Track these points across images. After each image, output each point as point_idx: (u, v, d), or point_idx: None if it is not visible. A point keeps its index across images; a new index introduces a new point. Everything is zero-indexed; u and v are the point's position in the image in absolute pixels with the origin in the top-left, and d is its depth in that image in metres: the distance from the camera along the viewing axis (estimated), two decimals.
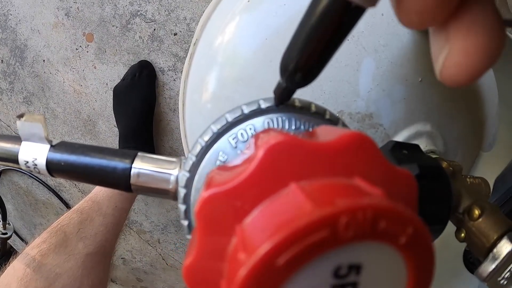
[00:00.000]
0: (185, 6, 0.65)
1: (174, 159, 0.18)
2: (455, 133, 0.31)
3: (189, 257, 0.10)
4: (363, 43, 0.27)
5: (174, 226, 0.85)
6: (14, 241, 1.03)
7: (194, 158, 0.15)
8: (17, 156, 0.21)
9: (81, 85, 0.77)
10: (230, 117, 0.14)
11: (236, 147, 0.14)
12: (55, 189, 0.91)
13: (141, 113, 0.68)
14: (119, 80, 0.72)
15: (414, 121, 0.28)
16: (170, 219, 0.85)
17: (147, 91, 0.69)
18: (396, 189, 0.10)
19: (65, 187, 0.91)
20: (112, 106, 0.72)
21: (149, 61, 0.70)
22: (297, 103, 0.15)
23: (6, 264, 0.46)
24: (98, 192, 0.61)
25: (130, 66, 0.71)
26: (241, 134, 0.14)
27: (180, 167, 0.17)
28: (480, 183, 0.26)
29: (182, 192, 0.15)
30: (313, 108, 0.15)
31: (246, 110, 0.15)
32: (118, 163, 0.18)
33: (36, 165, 0.20)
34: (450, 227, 0.23)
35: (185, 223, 0.16)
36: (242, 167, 0.09)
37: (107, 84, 0.75)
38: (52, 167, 0.19)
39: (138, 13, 0.68)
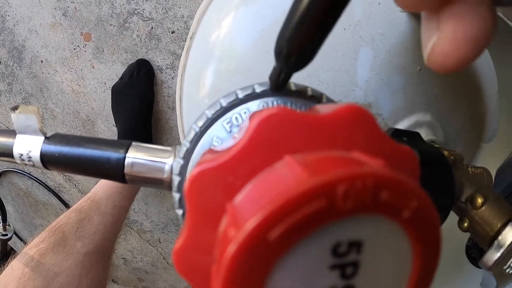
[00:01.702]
0: (182, 4, 0.65)
1: (168, 148, 0.17)
2: (456, 124, 0.30)
3: (179, 241, 0.09)
4: (360, 32, 0.26)
5: (175, 225, 0.85)
6: (14, 243, 1.02)
7: (188, 145, 0.14)
8: (11, 149, 0.20)
9: (80, 85, 0.77)
10: (224, 102, 0.14)
11: (230, 131, 0.14)
12: (55, 190, 0.91)
13: (140, 111, 0.68)
14: (117, 79, 0.72)
15: (414, 111, 0.27)
16: (170, 218, 0.84)
17: (146, 89, 0.68)
18: (397, 164, 0.09)
19: (64, 188, 0.90)
20: (110, 106, 0.72)
21: (147, 59, 0.69)
22: (293, 87, 0.15)
23: (5, 265, 0.46)
24: (97, 191, 0.60)
25: (128, 65, 0.71)
26: (236, 118, 0.14)
27: (175, 155, 0.17)
28: (482, 173, 0.26)
29: (176, 180, 0.15)
30: (309, 92, 0.15)
31: (241, 95, 0.14)
32: (112, 153, 0.17)
33: (30, 157, 0.20)
34: (452, 219, 0.23)
35: (180, 212, 0.16)
36: (234, 145, 0.09)
37: (105, 83, 0.75)
38: (46, 159, 0.19)
39: (136, 11, 0.67)
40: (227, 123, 0.14)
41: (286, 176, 0.08)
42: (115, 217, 0.59)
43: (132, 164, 0.17)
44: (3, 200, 0.80)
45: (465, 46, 0.09)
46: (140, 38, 0.69)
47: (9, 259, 0.46)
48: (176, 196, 0.15)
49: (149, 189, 0.82)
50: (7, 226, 0.82)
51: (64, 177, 0.89)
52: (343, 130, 0.09)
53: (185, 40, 0.68)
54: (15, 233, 0.98)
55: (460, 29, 0.09)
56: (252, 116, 0.10)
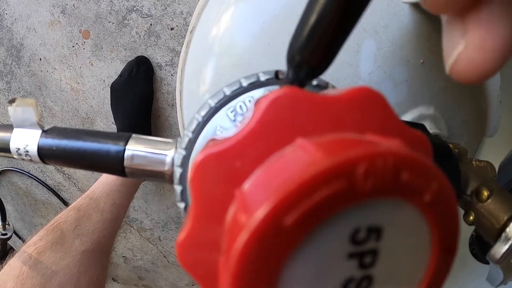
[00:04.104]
0: (181, 0, 0.64)
1: (169, 140, 0.17)
2: (459, 118, 0.30)
3: (183, 232, 0.09)
4: (363, 24, 0.26)
5: (175, 223, 0.84)
6: (14, 242, 1.02)
7: (190, 135, 0.14)
8: (8, 144, 0.20)
9: (78, 83, 0.76)
10: (228, 91, 0.14)
11: (234, 120, 0.13)
12: (54, 189, 0.90)
13: (139, 109, 0.68)
14: (117, 77, 0.71)
15: (417, 104, 0.27)
16: (170, 216, 0.84)
17: (145, 86, 0.68)
18: (411, 148, 0.09)
19: (64, 186, 0.90)
20: (109, 103, 0.72)
21: (146, 56, 0.69)
22: None
23: (3, 263, 0.45)
24: (96, 189, 0.60)
25: (127, 62, 0.70)
26: (240, 106, 0.13)
27: (176, 147, 0.16)
28: (485, 166, 0.25)
29: (178, 171, 0.14)
30: (314, 81, 0.14)
31: (245, 83, 0.14)
32: (112, 146, 0.17)
33: (27, 151, 0.19)
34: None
35: (182, 205, 0.15)
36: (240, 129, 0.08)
37: (104, 81, 0.74)
38: (44, 153, 0.19)
39: (134, 8, 0.67)
40: (231, 112, 0.13)
41: (300, 158, 0.07)
42: (114, 215, 0.58)
43: (132, 157, 0.16)
44: (3, 200, 0.80)
45: (494, 56, 0.08)
46: (139, 35, 0.68)
47: (7, 257, 0.46)
48: (178, 188, 0.15)
49: (149, 187, 0.82)
50: (6, 225, 0.82)
51: (64, 175, 0.88)
52: (356, 112, 0.08)
53: (184, 36, 0.67)
54: (14, 232, 0.98)
55: (489, 37, 0.08)
56: (258, 100, 0.09)
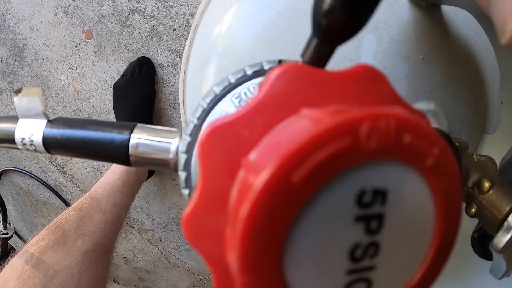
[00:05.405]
0: (183, 2, 0.65)
1: (174, 129, 0.17)
2: (459, 113, 0.30)
3: (189, 207, 0.09)
4: None
5: (176, 224, 0.84)
6: (15, 242, 1.02)
7: (195, 121, 0.14)
8: (13, 134, 0.20)
9: (81, 83, 0.77)
10: (233, 78, 0.14)
11: (239, 106, 0.13)
12: (55, 189, 0.90)
13: (141, 109, 0.68)
14: (119, 77, 0.72)
15: (418, 99, 0.27)
16: (171, 217, 0.84)
17: (147, 87, 0.68)
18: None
19: (65, 187, 0.90)
20: (112, 103, 0.72)
21: (149, 57, 0.69)
22: None
23: (5, 262, 0.45)
24: (98, 189, 0.60)
25: (129, 62, 0.71)
26: (244, 93, 0.13)
27: (181, 136, 0.16)
28: (486, 161, 0.26)
29: (183, 158, 0.15)
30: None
31: (249, 71, 0.14)
32: (117, 135, 0.17)
33: (32, 141, 0.19)
34: None
35: (186, 192, 0.15)
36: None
37: (106, 81, 0.74)
38: (49, 142, 0.19)
39: (137, 9, 0.68)
40: (236, 98, 0.13)
41: (305, 123, 0.07)
42: (116, 215, 0.58)
43: (137, 145, 0.17)
44: (4, 200, 0.80)
45: None
46: (142, 36, 0.69)
47: (9, 256, 0.46)
48: (183, 175, 0.15)
49: (150, 188, 0.82)
50: (7, 225, 0.82)
51: (65, 176, 0.89)
52: (357, 87, 0.08)
53: (187, 37, 0.68)
54: (15, 232, 0.98)
55: None
56: (266, 75, 0.09)
